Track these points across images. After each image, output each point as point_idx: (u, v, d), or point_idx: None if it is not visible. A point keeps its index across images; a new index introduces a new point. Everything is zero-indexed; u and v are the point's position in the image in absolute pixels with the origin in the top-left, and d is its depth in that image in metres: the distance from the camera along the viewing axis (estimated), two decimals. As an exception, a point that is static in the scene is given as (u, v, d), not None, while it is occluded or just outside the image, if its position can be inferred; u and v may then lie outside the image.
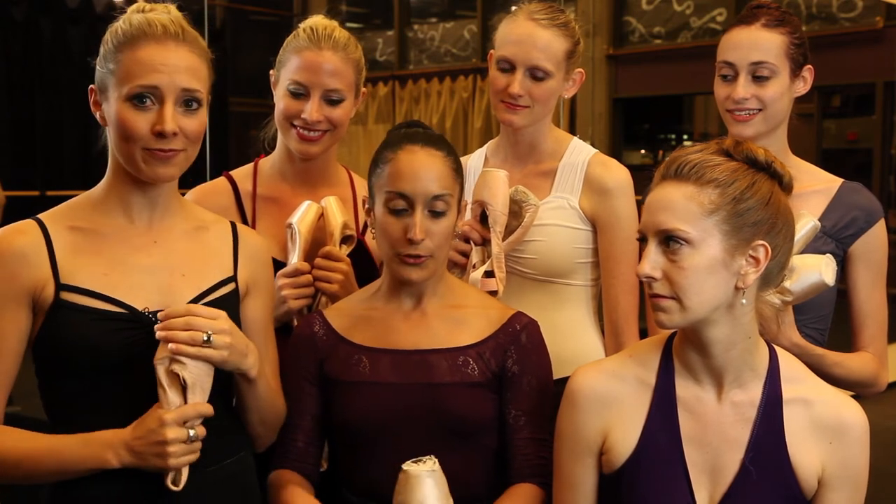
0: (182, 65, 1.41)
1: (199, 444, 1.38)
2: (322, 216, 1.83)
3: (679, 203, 1.35)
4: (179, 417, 1.35)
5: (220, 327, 1.38)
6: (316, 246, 1.82)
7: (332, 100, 1.84)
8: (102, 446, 1.37)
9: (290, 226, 1.81)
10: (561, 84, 1.93)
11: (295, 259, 1.79)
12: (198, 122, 1.44)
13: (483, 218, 1.84)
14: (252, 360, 1.45)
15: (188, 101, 1.42)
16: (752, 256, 1.36)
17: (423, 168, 1.56)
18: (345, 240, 1.84)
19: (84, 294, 1.41)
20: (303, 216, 1.82)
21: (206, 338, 1.36)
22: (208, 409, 1.38)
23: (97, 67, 1.45)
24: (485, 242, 1.84)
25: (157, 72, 1.39)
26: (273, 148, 1.98)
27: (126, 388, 1.41)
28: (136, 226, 1.48)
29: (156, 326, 1.37)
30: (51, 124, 7.97)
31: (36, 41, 8.05)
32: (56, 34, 8.15)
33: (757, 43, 1.82)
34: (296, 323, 1.78)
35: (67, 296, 1.41)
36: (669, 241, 1.35)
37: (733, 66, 1.84)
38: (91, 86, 1.47)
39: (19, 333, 1.41)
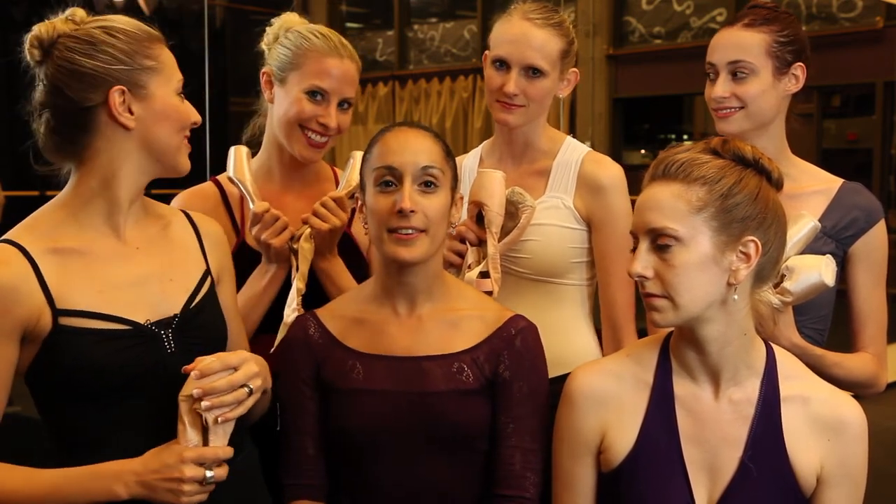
0: None
1: (212, 487, 1.35)
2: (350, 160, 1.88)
3: (667, 202, 1.36)
4: (199, 458, 1.33)
5: (253, 372, 1.37)
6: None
7: (345, 106, 1.89)
8: (111, 477, 1.34)
9: (231, 181, 1.86)
10: (556, 83, 1.94)
11: (252, 205, 1.82)
12: None
13: (479, 219, 1.83)
14: (269, 377, 1.46)
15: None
16: (742, 252, 1.36)
17: (410, 142, 1.56)
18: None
19: (84, 316, 1.38)
20: (237, 165, 1.86)
21: (248, 391, 1.36)
22: (228, 453, 1.35)
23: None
24: (481, 243, 1.83)
25: None
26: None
27: (137, 403, 1.40)
28: (118, 235, 1.46)
29: (195, 394, 1.33)
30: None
31: (36, 41, 8.04)
32: (56, 34, 8.14)
33: (735, 43, 1.84)
34: (294, 264, 1.81)
35: (67, 320, 1.37)
36: (659, 239, 1.35)
37: (714, 66, 1.86)
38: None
39: (9, 368, 1.37)
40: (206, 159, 5.20)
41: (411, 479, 1.55)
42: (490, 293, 1.76)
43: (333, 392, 1.59)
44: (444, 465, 1.55)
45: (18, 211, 1.67)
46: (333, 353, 1.60)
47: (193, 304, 1.47)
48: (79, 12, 1.45)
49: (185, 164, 1.47)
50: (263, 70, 1.93)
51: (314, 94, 1.85)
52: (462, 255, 1.83)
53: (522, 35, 1.89)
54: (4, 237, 1.41)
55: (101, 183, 1.43)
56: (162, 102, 1.42)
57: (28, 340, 1.37)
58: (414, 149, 1.55)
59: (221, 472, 1.35)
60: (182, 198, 1.90)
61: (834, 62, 7.14)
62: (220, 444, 1.35)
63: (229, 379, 1.34)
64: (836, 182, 1.91)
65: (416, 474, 1.55)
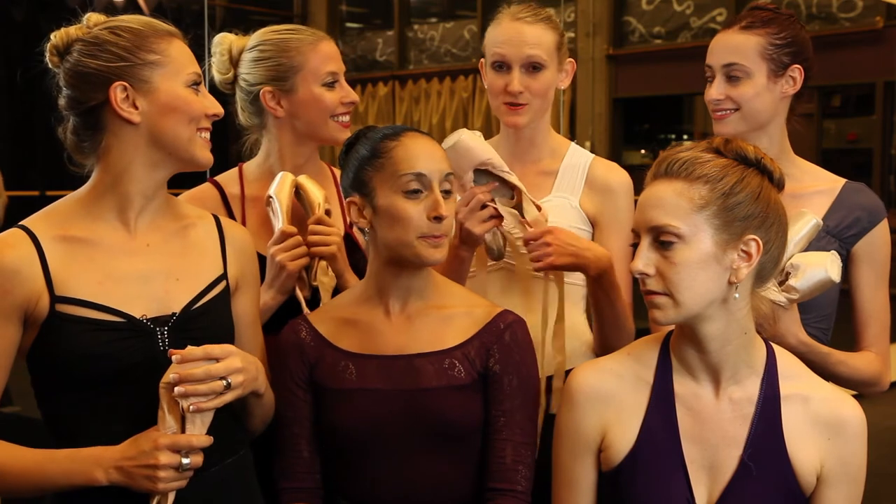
0: None
1: (190, 473, 1.36)
2: (298, 189, 1.85)
3: (669, 199, 1.36)
4: (173, 444, 1.34)
5: (235, 367, 1.37)
6: (295, 217, 1.84)
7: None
8: (91, 463, 1.35)
9: (269, 198, 1.83)
10: (555, 75, 1.96)
11: (280, 225, 1.80)
12: None
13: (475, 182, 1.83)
14: (262, 378, 1.46)
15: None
16: (743, 251, 1.37)
17: (431, 149, 1.59)
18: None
19: (80, 305, 1.40)
20: (280, 186, 1.84)
21: (226, 384, 1.36)
22: (204, 442, 1.36)
23: None
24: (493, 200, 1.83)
25: None
26: (252, 154, 2.00)
27: (129, 396, 1.40)
28: (129, 230, 1.47)
29: (171, 379, 1.34)
30: (51, 124, 7.96)
31: (36, 41, 8.06)
32: (56, 34, 8.15)
33: (730, 45, 1.85)
34: (299, 291, 1.79)
35: (63, 307, 1.39)
36: (661, 237, 1.36)
37: (711, 68, 1.88)
38: None
39: (9, 348, 1.40)
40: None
41: (407, 477, 1.56)
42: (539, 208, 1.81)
43: (327, 392, 1.60)
44: (439, 462, 1.56)
45: (19, 211, 1.67)
46: (326, 354, 1.61)
47: (197, 305, 1.48)
48: (93, 17, 1.48)
49: (202, 157, 1.47)
50: (263, 90, 1.89)
51: (331, 83, 1.89)
52: (494, 217, 1.80)
53: (517, 33, 1.91)
54: (20, 223, 1.44)
55: (113, 178, 1.46)
56: (167, 95, 1.43)
57: (28, 323, 1.40)
58: (437, 156, 1.58)
59: (197, 459, 1.36)
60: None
61: (834, 62, 7.15)
62: (196, 432, 1.36)
63: (206, 368, 1.35)
64: (838, 182, 1.92)
65: (412, 471, 1.56)
